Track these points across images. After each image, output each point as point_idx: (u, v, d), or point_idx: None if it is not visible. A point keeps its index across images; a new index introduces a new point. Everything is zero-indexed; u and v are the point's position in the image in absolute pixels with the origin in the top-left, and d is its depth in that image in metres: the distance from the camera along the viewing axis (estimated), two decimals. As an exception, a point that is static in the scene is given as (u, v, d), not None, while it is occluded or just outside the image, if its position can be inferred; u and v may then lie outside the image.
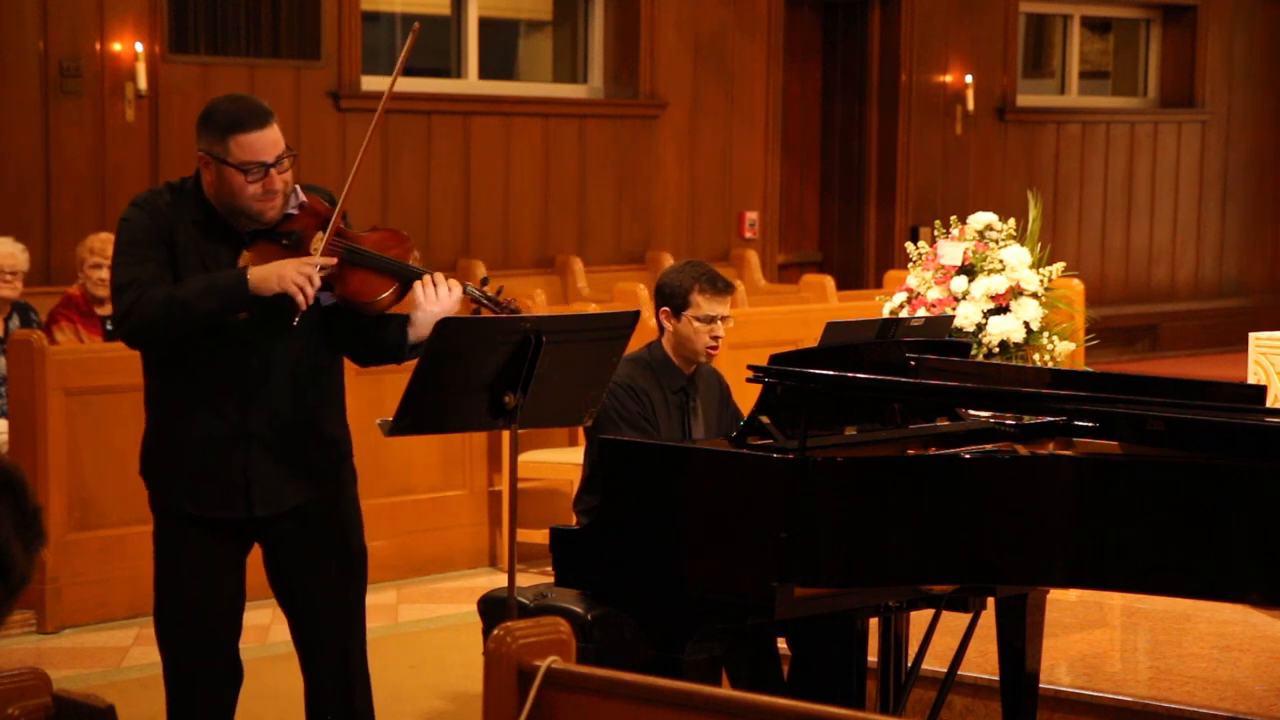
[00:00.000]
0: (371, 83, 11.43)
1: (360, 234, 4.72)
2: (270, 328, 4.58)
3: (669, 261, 11.65)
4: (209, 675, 4.75)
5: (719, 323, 5.63)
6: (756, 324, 9.38)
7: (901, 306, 7.49)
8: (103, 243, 8.77)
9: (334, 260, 4.58)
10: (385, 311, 4.69)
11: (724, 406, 5.80)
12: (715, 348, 5.67)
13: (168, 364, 4.66)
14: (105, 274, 8.66)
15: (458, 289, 4.69)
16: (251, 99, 4.75)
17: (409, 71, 12.35)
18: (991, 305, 7.33)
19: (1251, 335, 7.36)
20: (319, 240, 4.60)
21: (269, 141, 4.57)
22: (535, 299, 9.80)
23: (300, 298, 4.49)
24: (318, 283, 4.51)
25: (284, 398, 4.65)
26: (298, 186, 4.70)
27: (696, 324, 5.60)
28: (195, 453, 4.63)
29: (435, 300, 4.64)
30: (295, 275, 4.49)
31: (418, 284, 4.64)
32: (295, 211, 4.68)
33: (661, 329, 5.68)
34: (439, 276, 4.68)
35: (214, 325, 4.56)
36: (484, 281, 4.86)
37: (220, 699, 4.78)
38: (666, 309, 5.65)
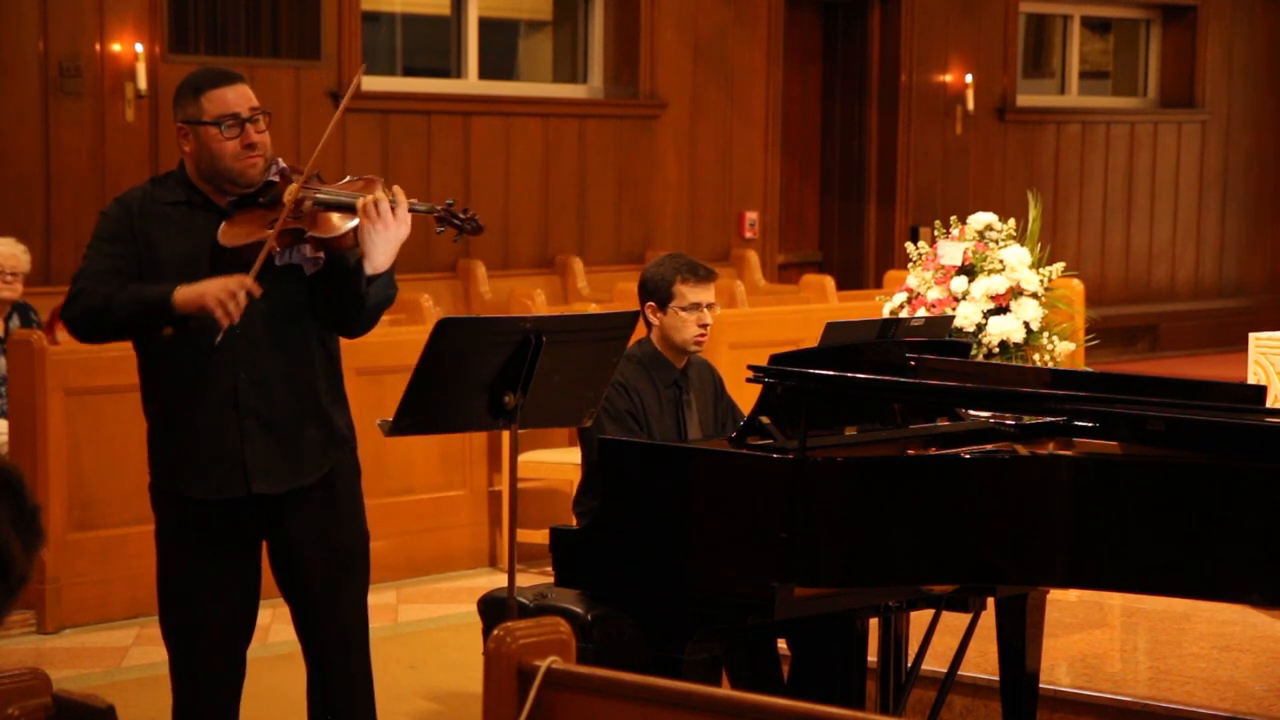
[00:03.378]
0: (371, 82, 11.43)
1: (336, 183, 4.66)
2: (254, 305, 4.52)
3: (669, 261, 11.65)
4: (212, 675, 4.73)
5: (705, 310, 5.64)
6: (756, 324, 9.38)
7: (901, 306, 7.49)
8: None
9: (257, 289, 4.46)
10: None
11: (718, 399, 5.81)
12: (704, 336, 5.67)
13: (154, 353, 4.65)
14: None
15: (404, 202, 4.54)
16: (220, 67, 4.80)
17: (409, 71, 12.37)
18: (991, 305, 7.33)
19: (1251, 335, 7.36)
20: (293, 190, 4.55)
21: (240, 95, 4.60)
22: (535, 299, 9.81)
23: (220, 313, 4.43)
24: (243, 301, 4.44)
25: (274, 371, 4.60)
26: (279, 159, 4.68)
27: (683, 314, 5.62)
28: (192, 433, 4.60)
29: (379, 218, 4.50)
30: (218, 291, 4.44)
31: (359, 205, 4.50)
32: (276, 179, 4.65)
33: (649, 325, 5.69)
34: (380, 195, 4.52)
35: (137, 335, 4.59)
36: (449, 203, 4.71)
37: (224, 698, 4.77)
38: (652, 304, 5.66)
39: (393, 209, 4.52)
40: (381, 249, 4.52)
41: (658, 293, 5.65)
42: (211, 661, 4.73)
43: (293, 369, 4.63)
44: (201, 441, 4.60)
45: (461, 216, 4.68)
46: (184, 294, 4.48)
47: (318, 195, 4.57)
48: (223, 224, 4.59)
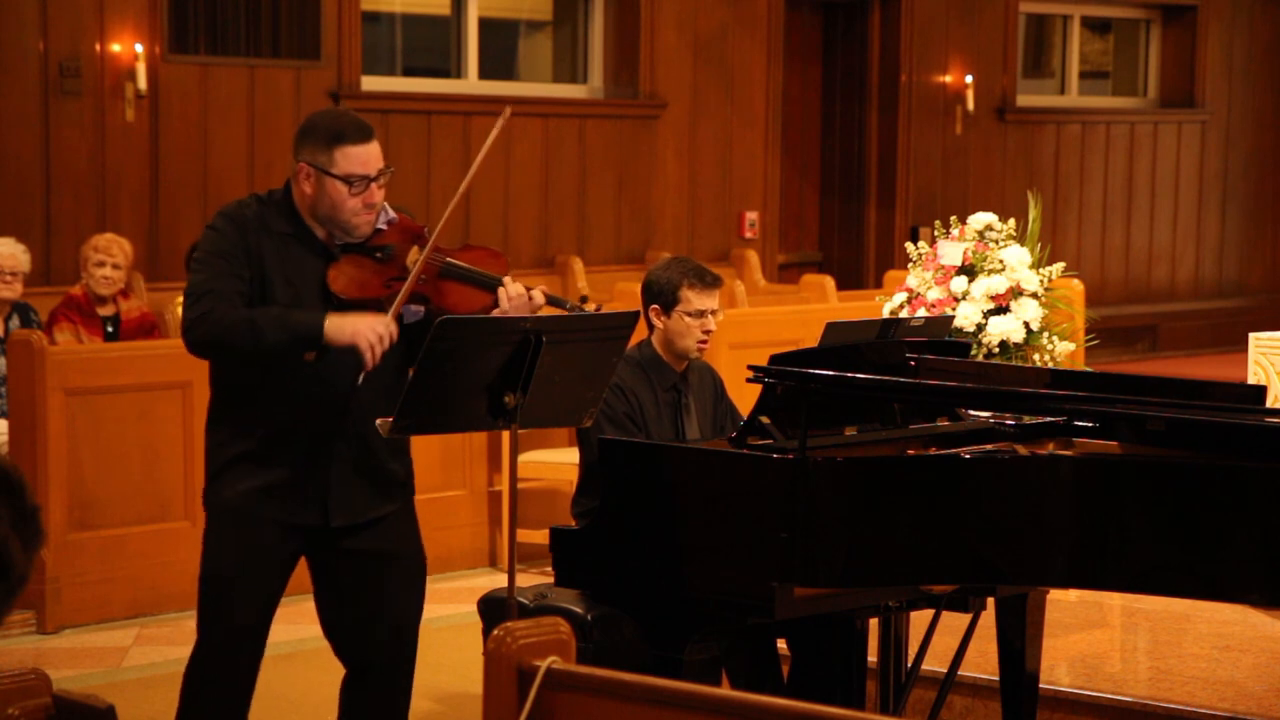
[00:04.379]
0: (371, 83, 11.44)
1: (454, 250, 4.78)
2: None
3: (669, 261, 11.65)
4: (239, 673, 4.79)
5: (709, 317, 5.64)
6: (756, 324, 9.37)
7: (901, 306, 7.49)
8: (107, 242, 8.78)
9: (397, 335, 4.58)
10: None
11: (718, 402, 5.80)
12: (705, 342, 5.68)
13: (255, 379, 4.68)
14: (109, 272, 8.68)
15: (540, 296, 4.72)
16: (354, 114, 4.82)
17: (409, 71, 12.37)
18: (991, 305, 7.33)
19: (1251, 335, 7.36)
20: (415, 254, 4.65)
21: (372, 155, 4.66)
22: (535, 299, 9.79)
23: (369, 355, 4.53)
24: (388, 344, 4.55)
25: (366, 409, 4.67)
26: (385, 204, 4.75)
27: (687, 319, 5.61)
28: (276, 455, 4.65)
29: (520, 310, 4.67)
30: (369, 332, 4.53)
31: (504, 295, 4.67)
32: (384, 227, 4.75)
33: (651, 327, 5.69)
34: (536, 291, 4.72)
35: (277, 359, 4.60)
36: (583, 299, 4.92)
37: (242, 700, 4.80)
38: (656, 306, 5.66)
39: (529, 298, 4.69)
40: None
41: (662, 296, 5.65)
42: (243, 661, 4.79)
43: (381, 405, 4.69)
44: (287, 475, 4.67)
45: (580, 309, 4.84)
46: (334, 326, 4.54)
47: (446, 264, 4.68)
48: (331, 268, 4.67)
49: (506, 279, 4.71)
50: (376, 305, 4.64)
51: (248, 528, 4.71)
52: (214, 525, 4.79)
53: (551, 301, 4.79)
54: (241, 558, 4.73)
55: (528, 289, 4.72)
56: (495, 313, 4.69)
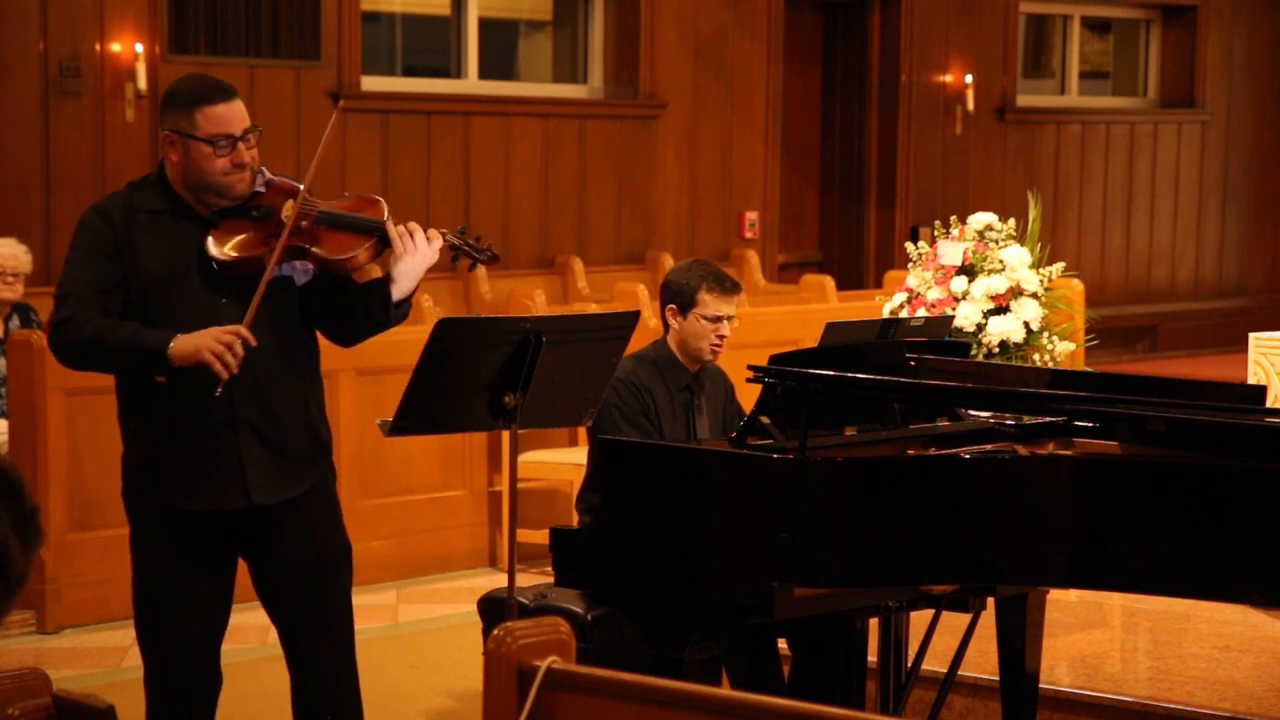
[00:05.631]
0: (371, 83, 11.43)
1: (331, 201, 4.67)
2: (245, 315, 4.50)
3: (669, 262, 11.67)
4: (189, 680, 4.68)
5: (725, 322, 5.64)
6: (756, 324, 9.37)
7: (901, 306, 7.49)
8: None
9: (253, 339, 4.46)
10: (362, 269, 4.64)
11: (727, 404, 5.81)
12: (719, 347, 5.68)
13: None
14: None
15: (437, 238, 4.61)
16: (214, 76, 4.74)
17: (409, 71, 12.37)
18: (991, 305, 7.33)
19: (1251, 335, 7.36)
20: (290, 207, 4.54)
21: (236, 114, 4.56)
22: (535, 299, 9.81)
23: (218, 366, 4.41)
24: (240, 352, 4.42)
25: (270, 383, 4.58)
26: (264, 168, 4.66)
27: (703, 322, 5.61)
28: (188, 444, 4.55)
29: (415, 250, 4.56)
30: (213, 344, 4.41)
31: (395, 234, 4.56)
32: (263, 190, 4.63)
33: (667, 326, 5.69)
34: (415, 226, 4.60)
35: (132, 377, 4.53)
36: (461, 230, 4.76)
37: (201, 705, 4.74)
38: (673, 306, 5.65)
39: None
40: (412, 276, 4.58)
41: (680, 296, 5.64)
42: (191, 667, 4.68)
43: (287, 381, 4.61)
44: (200, 455, 4.56)
45: (475, 245, 4.71)
46: (180, 347, 4.44)
47: (321, 212, 4.58)
48: (210, 234, 4.56)
49: (388, 222, 4.57)
50: (258, 263, 4.50)
51: (175, 528, 4.59)
52: (139, 530, 4.67)
53: (447, 240, 4.65)
54: (171, 561, 4.60)
55: (418, 230, 4.58)
56: (392, 257, 4.56)
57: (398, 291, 4.58)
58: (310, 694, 4.77)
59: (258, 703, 6.15)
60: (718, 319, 5.62)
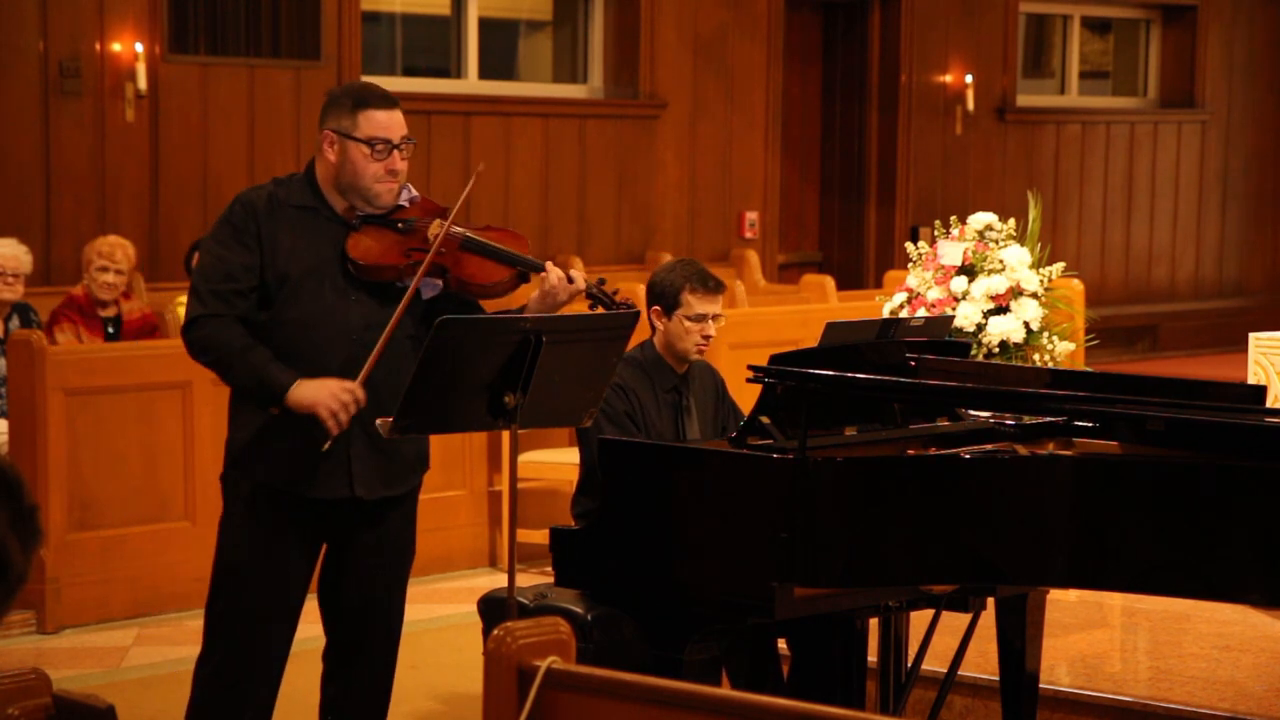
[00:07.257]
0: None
1: (476, 228, 4.87)
2: (372, 319, 4.67)
3: (669, 261, 11.65)
4: (263, 665, 4.81)
5: (710, 321, 5.65)
6: (756, 324, 9.37)
7: (901, 306, 7.49)
8: (110, 246, 8.77)
9: (364, 399, 4.63)
10: (495, 297, 4.85)
11: (719, 402, 5.80)
12: (705, 346, 5.68)
13: (269, 348, 4.70)
14: (112, 278, 8.69)
15: (580, 281, 4.81)
16: (379, 86, 4.93)
17: (409, 71, 12.37)
18: (991, 305, 7.33)
19: (1251, 335, 7.36)
20: (436, 226, 4.74)
21: (396, 122, 4.79)
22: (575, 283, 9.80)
23: (331, 423, 4.59)
24: (353, 411, 4.60)
25: (389, 391, 4.69)
26: (409, 185, 4.84)
27: (688, 323, 5.62)
28: (299, 431, 4.66)
29: (561, 288, 4.76)
30: (330, 400, 4.58)
31: (549, 266, 4.77)
32: (406, 204, 4.84)
33: (653, 328, 5.70)
34: (575, 273, 4.81)
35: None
36: (600, 281, 4.98)
37: (265, 691, 4.84)
38: (658, 308, 5.66)
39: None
40: (547, 310, 4.80)
41: (664, 298, 5.65)
42: (265, 652, 4.81)
43: (399, 382, 4.70)
44: (311, 444, 4.68)
45: (610, 297, 4.94)
46: (298, 395, 4.60)
47: (467, 237, 4.78)
48: (351, 236, 4.74)
49: (548, 264, 4.80)
50: (395, 273, 4.70)
51: (271, 511, 4.74)
52: (234, 512, 4.81)
53: (587, 288, 4.86)
54: (263, 542, 4.75)
55: (568, 273, 4.80)
56: (534, 294, 4.78)
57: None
58: (349, 680, 4.91)
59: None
60: (702, 318, 5.63)
